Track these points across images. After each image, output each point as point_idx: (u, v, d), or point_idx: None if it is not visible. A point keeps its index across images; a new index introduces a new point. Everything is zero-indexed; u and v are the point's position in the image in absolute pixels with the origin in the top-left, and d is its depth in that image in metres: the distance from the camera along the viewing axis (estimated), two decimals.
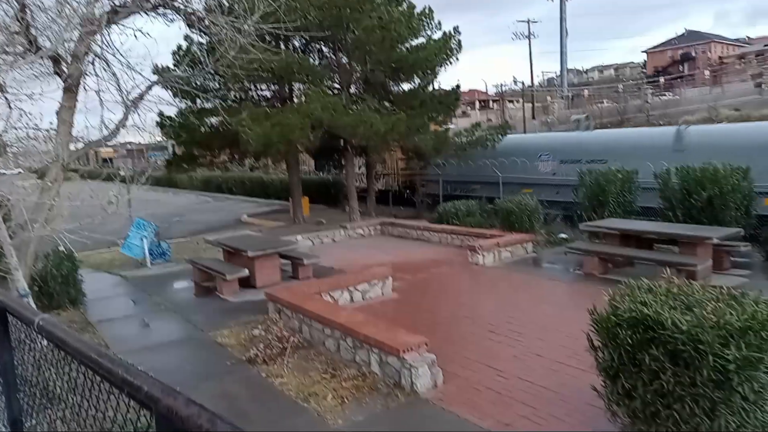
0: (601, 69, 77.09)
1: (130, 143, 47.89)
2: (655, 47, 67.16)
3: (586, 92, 46.55)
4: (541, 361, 5.91)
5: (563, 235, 12.47)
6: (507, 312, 7.64)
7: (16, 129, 6.32)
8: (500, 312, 7.66)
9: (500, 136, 16.81)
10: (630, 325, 3.82)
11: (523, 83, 45.02)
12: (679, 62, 59.23)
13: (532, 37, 45.35)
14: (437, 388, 5.39)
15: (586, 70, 77.91)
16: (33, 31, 5.99)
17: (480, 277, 9.89)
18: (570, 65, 40.47)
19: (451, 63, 16.26)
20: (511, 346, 6.40)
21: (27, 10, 5.82)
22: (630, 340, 3.79)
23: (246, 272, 9.47)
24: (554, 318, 7.30)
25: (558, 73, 37.42)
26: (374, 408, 5.12)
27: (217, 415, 1.19)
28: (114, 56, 6.82)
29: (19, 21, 5.81)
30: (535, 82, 46.39)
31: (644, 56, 68.93)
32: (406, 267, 10.53)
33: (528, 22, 45.40)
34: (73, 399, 2.14)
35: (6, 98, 6.13)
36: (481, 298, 8.64)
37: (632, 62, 75.19)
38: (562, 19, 31.38)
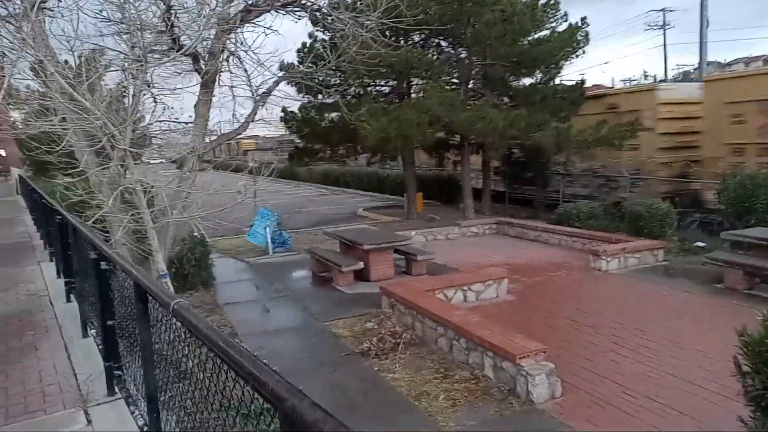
0: (747, 61, 69.38)
1: (273, 137, 50.02)
2: None
3: None
4: (675, 381, 5.37)
5: (700, 244, 11.36)
6: (634, 323, 7.06)
7: (159, 122, 6.87)
8: (626, 323, 7.10)
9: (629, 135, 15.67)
10: None
11: (654, 77, 41.90)
12: None
13: (667, 27, 42.14)
14: (555, 399, 5.10)
15: (729, 62, 70.59)
16: (176, 30, 6.45)
17: (603, 284, 9.27)
18: (710, 57, 36.66)
19: (577, 56, 15.43)
20: (638, 361, 5.90)
21: (172, 11, 6.27)
22: None
23: (361, 265, 9.63)
24: (690, 335, 6.63)
25: (695, 66, 34.14)
26: (487, 413, 4.95)
27: (342, 424, 1.12)
28: (246, 53, 7.19)
29: (164, 21, 6.29)
30: (669, 76, 42.91)
31: None
32: (523, 269, 10.14)
33: (663, 11, 42.16)
34: (201, 381, 2.21)
35: (152, 93, 6.68)
36: (604, 305, 8.07)
37: None
38: (702, 6, 28.71)
